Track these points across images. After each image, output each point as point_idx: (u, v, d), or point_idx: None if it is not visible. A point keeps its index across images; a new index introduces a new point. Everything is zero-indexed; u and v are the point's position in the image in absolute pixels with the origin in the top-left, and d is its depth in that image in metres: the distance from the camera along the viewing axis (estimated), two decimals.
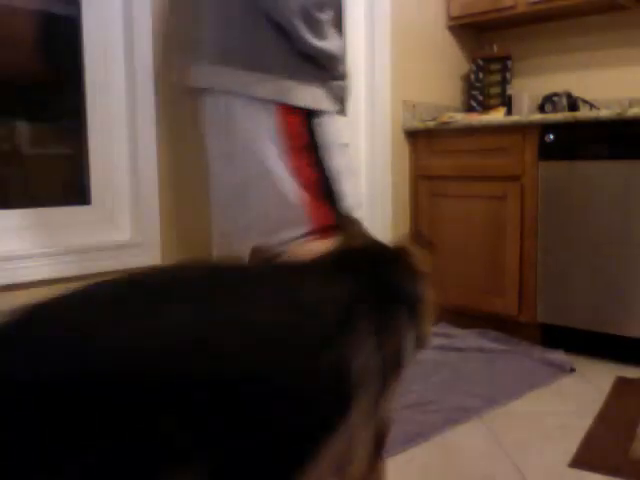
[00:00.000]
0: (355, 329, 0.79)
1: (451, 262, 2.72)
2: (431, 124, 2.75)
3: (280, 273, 0.88)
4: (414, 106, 2.90)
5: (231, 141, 1.55)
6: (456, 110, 3.14)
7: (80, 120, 1.84)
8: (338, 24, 1.59)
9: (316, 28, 1.48)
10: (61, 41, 1.83)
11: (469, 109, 3.19)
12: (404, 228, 2.87)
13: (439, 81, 3.07)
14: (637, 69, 2.85)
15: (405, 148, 2.88)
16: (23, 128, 1.76)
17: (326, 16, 1.51)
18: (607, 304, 2.32)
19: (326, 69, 1.54)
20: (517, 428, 1.76)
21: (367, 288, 0.87)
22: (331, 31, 1.54)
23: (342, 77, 1.60)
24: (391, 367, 0.89)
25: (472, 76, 3.19)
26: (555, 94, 2.86)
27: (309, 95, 1.52)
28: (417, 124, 2.83)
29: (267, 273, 0.87)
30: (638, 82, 2.83)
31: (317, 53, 1.50)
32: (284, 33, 1.46)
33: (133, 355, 0.60)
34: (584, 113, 2.43)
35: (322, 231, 1.53)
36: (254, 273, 0.86)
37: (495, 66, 3.15)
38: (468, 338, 2.55)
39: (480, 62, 3.17)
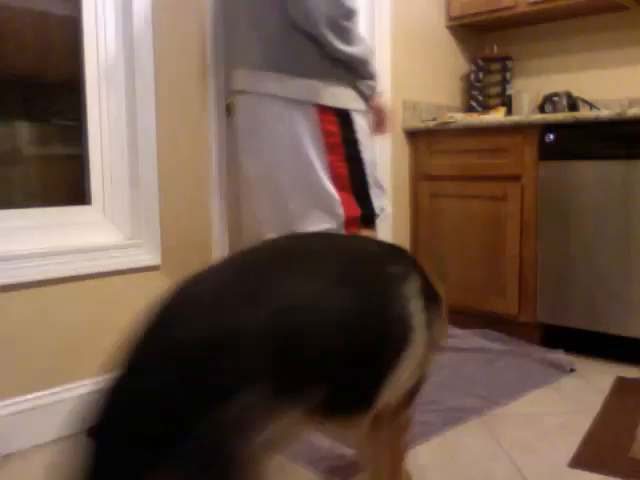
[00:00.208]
0: (414, 294, 1.06)
1: (451, 262, 2.72)
2: (431, 124, 2.75)
3: (367, 249, 1.11)
4: (414, 106, 2.90)
5: (265, 137, 1.71)
6: (456, 110, 3.14)
7: (80, 120, 1.84)
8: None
9: (343, 35, 1.64)
10: (61, 41, 1.83)
11: (469, 109, 3.19)
12: (404, 228, 2.87)
13: (439, 81, 3.08)
14: (637, 69, 2.85)
15: (405, 148, 2.88)
16: (23, 128, 1.76)
17: (352, 23, 1.66)
18: (607, 304, 2.32)
19: (356, 71, 1.70)
20: (517, 428, 1.76)
21: (417, 272, 1.11)
22: (358, 35, 1.70)
23: (371, 77, 1.75)
24: (430, 338, 1.10)
25: (472, 76, 3.19)
26: (555, 94, 2.86)
27: (340, 96, 1.69)
28: (417, 124, 2.83)
29: (359, 250, 1.10)
30: (638, 82, 2.83)
31: (346, 57, 1.66)
32: (315, 41, 1.62)
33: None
34: (584, 113, 2.43)
35: (350, 222, 1.74)
36: (355, 248, 1.10)
37: (495, 66, 3.15)
38: (468, 338, 2.55)
39: (480, 62, 3.17)
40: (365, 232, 1.79)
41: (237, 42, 1.75)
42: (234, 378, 0.75)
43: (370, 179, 1.79)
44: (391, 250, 1.15)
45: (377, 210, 1.81)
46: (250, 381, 0.76)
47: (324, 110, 1.67)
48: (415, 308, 1.04)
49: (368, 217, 1.79)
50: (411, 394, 1.17)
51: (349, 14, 1.66)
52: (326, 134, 1.69)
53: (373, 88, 1.80)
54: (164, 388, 0.72)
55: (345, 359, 0.91)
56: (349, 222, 1.76)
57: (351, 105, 1.73)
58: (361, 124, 1.76)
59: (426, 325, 1.07)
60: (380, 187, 1.88)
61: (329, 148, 1.71)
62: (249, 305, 0.82)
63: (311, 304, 0.88)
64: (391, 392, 1.04)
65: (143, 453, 0.70)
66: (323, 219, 1.73)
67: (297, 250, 1.01)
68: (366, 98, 1.80)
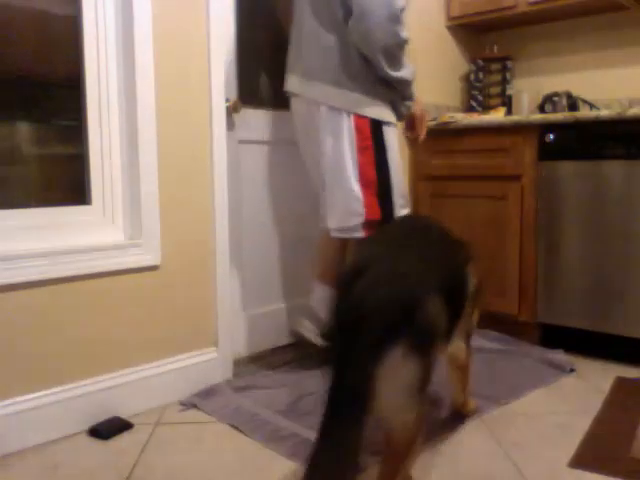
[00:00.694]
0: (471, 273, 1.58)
1: None
2: (431, 124, 2.75)
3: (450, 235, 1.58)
4: None
5: (313, 135, 2.02)
6: (456, 110, 3.14)
7: (80, 120, 1.84)
8: None
9: (394, 61, 1.91)
10: (61, 41, 1.83)
11: (469, 109, 3.19)
12: None
13: (439, 81, 3.07)
14: (637, 69, 2.85)
15: (405, 148, 2.87)
16: (23, 128, 1.76)
17: (403, 51, 1.94)
18: (607, 304, 2.32)
19: (397, 91, 2.01)
20: (517, 428, 1.76)
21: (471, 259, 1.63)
22: (406, 61, 1.98)
23: (410, 98, 2.08)
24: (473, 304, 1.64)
25: (472, 76, 3.19)
26: (555, 94, 2.86)
27: (376, 109, 1.96)
28: None
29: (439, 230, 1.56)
30: (638, 82, 2.83)
31: (392, 80, 1.95)
32: (368, 62, 1.91)
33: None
34: (584, 113, 2.43)
35: (370, 224, 1.96)
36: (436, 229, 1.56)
37: (495, 66, 3.15)
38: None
39: (480, 62, 3.17)
40: None
41: (298, 49, 2.01)
42: (428, 289, 1.19)
43: (395, 188, 2.00)
44: (460, 240, 1.62)
45: (397, 208, 2.01)
46: (435, 293, 1.20)
47: (360, 117, 1.94)
48: (471, 284, 1.56)
49: (388, 222, 1.95)
50: (468, 337, 1.70)
51: (402, 44, 1.90)
52: (359, 136, 1.94)
53: (409, 108, 2.12)
54: (386, 298, 1.12)
55: (454, 296, 1.38)
56: (369, 224, 1.96)
57: (385, 118, 1.98)
58: (391, 136, 2.01)
59: (472, 297, 1.58)
60: (404, 197, 2.06)
61: (361, 150, 1.95)
62: (415, 255, 1.29)
63: (442, 261, 1.38)
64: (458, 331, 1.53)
65: (385, 333, 1.10)
66: (344, 215, 1.98)
67: (420, 226, 1.58)
68: (401, 115, 2.09)
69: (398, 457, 1.24)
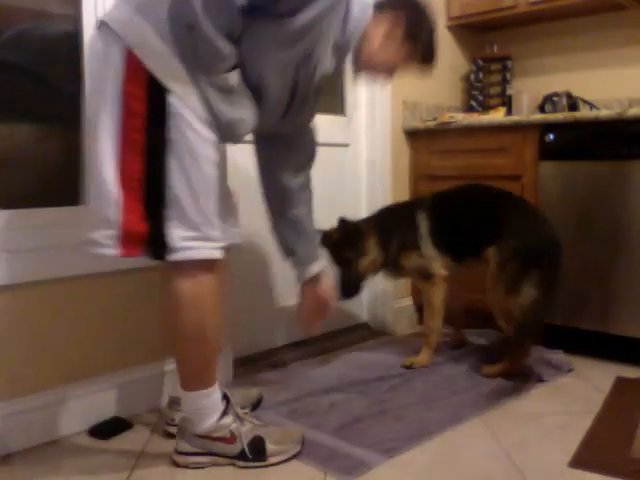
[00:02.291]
0: None
1: None
2: (431, 124, 2.75)
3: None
4: (414, 106, 2.90)
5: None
6: (456, 110, 3.14)
7: (80, 120, 1.84)
8: None
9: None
10: (61, 41, 1.82)
11: (469, 109, 3.19)
12: None
13: (439, 81, 3.07)
14: (637, 69, 2.84)
15: (405, 148, 2.88)
16: (23, 128, 1.76)
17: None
18: (607, 304, 2.32)
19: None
20: (517, 428, 1.76)
21: None
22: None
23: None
24: None
25: (472, 76, 3.19)
26: (555, 94, 2.85)
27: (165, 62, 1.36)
28: (417, 124, 2.83)
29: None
30: (638, 82, 2.83)
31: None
32: None
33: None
34: (584, 113, 2.43)
35: (128, 239, 1.39)
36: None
37: (495, 66, 3.15)
38: (468, 338, 2.55)
39: (480, 62, 3.17)
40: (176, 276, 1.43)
41: None
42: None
43: (203, 199, 1.39)
44: None
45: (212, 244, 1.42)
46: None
47: (135, 62, 1.33)
48: None
49: (159, 245, 1.38)
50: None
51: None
52: (128, 95, 1.34)
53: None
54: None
55: None
56: (127, 238, 1.37)
57: (175, 88, 1.35)
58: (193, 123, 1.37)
59: None
60: (228, 214, 1.52)
61: (127, 115, 1.34)
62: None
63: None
64: None
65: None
66: (98, 221, 1.39)
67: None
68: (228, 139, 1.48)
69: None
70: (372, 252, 2.22)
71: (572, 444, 1.64)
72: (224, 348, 2.14)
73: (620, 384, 2.08)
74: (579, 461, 1.55)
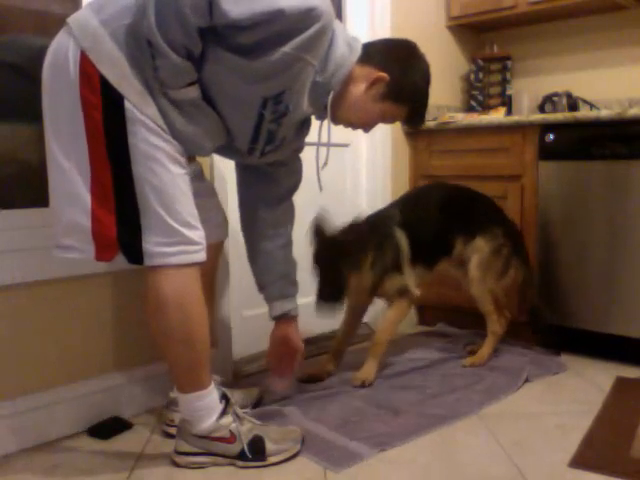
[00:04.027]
0: None
1: None
2: (431, 124, 2.75)
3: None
4: None
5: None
6: (456, 110, 3.14)
7: None
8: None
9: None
10: None
11: (469, 109, 3.19)
12: None
13: (439, 81, 3.05)
14: (637, 69, 2.84)
15: (405, 148, 2.88)
16: (23, 128, 1.76)
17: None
18: (607, 304, 2.32)
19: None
20: (517, 428, 1.75)
21: None
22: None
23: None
24: None
25: (472, 76, 3.19)
26: (555, 94, 2.85)
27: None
28: None
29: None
30: (638, 82, 2.83)
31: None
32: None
33: None
34: (584, 113, 2.43)
35: (104, 243, 1.40)
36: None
37: (495, 66, 3.15)
38: (467, 338, 2.55)
39: (480, 62, 3.17)
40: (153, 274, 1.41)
41: None
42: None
43: (175, 203, 1.37)
44: None
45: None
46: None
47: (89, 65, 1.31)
48: None
49: (134, 251, 1.38)
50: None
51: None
52: (85, 101, 1.32)
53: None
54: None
55: None
56: (102, 241, 1.38)
57: (129, 95, 1.33)
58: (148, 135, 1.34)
59: None
60: (185, 225, 1.39)
61: (88, 123, 1.33)
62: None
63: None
64: None
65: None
66: (68, 226, 1.39)
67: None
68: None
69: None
70: (365, 272, 2.03)
71: (572, 444, 1.64)
72: (224, 348, 2.14)
73: (620, 384, 2.07)
74: (579, 461, 1.55)
